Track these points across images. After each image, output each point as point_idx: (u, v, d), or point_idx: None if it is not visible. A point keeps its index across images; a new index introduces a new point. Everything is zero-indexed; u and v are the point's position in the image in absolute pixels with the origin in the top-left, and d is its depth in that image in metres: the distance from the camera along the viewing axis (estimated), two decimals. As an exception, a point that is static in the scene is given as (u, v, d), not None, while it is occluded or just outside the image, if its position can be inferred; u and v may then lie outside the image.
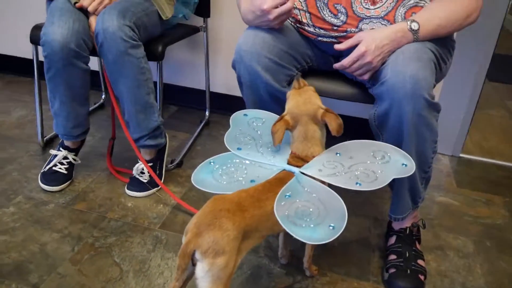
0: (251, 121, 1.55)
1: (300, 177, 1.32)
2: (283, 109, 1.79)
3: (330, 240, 1.11)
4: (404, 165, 1.32)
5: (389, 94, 1.50)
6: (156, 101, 2.01)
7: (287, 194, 1.24)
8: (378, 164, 1.33)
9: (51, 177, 2.03)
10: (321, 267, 1.75)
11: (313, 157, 1.37)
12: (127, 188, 2.05)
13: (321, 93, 1.83)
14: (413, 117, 1.47)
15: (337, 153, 1.39)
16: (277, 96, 1.72)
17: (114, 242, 1.78)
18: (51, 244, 1.75)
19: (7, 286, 1.55)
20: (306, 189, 1.27)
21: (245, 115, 1.60)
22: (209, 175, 1.38)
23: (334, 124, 1.33)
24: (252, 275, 1.69)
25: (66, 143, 2.08)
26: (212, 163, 1.42)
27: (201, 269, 1.15)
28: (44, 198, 2.00)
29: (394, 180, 1.33)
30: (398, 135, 1.55)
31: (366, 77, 1.58)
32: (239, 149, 1.46)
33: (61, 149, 2.08)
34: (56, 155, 2.06)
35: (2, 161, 2.25)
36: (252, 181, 1.34)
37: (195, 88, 2.93)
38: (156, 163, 2.08)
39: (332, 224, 1.15)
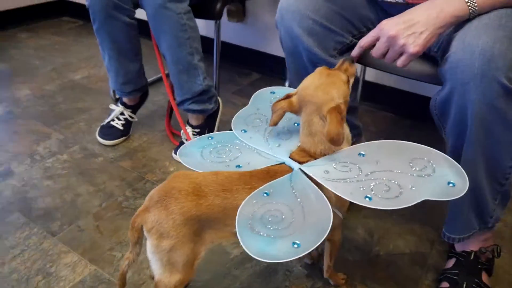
0: (274, 100, 1.31)
1: (296, 175, 1.05)
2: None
3: (284, 260, 0.85)
4: (451, 184, 0.95)
5: (451, 75, 1.13)
6: (214, 64, 1.87)
7: (266, 192, 1.00)
8: (413, 177, 0.97)
9: (107, 131, 2.05)
10: (353, 276, 1.46)
11: (324, 155, 1.09)
12: (174, 152, 1.98)
13: (380, 67, 1.51)
14: (482, 108, 1.09)
15: (360, 153, 1.07)
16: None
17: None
18: (83, 196, 1.76)
19: (31, 229, 1.59)
20: (294, 191, 1.01)
21: (272, 92, 1.37)
22: (198, 150, 1.18)
23: (330, 128, 1.00)
24: (267, 269, 1.48)
25: (124, 99, 2.07)
26: (210, 138, 1.23)
27: (149, 248, 1.02)
28: (96, 151, 2.03)
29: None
30: (460, 132, 1.17)
31: (400, 62, 1.21)
32: (244, 131, 1.23)
33: (119, 104, 2.08)
34: (113, 110, 2.07)
35: (76, 111, 2.35)
36: (238, 166, 1.12)
37: (279, 56, 2.72)
38: (203, 129, 1.96)
39: (298, 242, 0.87)
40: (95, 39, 1.92)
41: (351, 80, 1.18)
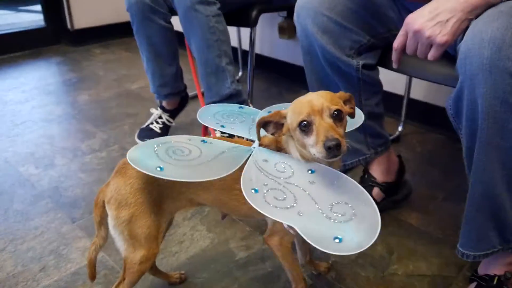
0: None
1: (256, 152, 1.02)
2: (347, 85, 1.46)
3: None
4: (337, 240, 0.81)
5: (461, 67, 1.03)
6: (248, 70, 1.88)
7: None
8: (322, 216, 0.86)
9: (145, 133, 2.13)
10: (361, 292, 1.35)
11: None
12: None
13: (403, 71, 1.41)
14: (492, 103, 0.98)
15: (311, 170, 0.97)
16: (338, 66, 1.39)
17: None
18: (110, 189, 1.83)
19: (55, 214, 1.68)
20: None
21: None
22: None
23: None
24: (270, 274, 1.42)
25: (163, 103, 2.15)
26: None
27: (109, 224, 1.02)
28: (132, 150, 2.11)
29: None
30: (473, 132, 1.06)
31: (430, 55, 1.12)
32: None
33: (158, 108, 2.16)
34: (153, 113, 2.15)
35: (124, 115, 2.48)
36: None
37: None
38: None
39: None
40: None
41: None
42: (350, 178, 0.95)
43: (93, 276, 1.20)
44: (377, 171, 1.62)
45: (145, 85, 2.92)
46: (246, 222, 1.64)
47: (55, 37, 3.67)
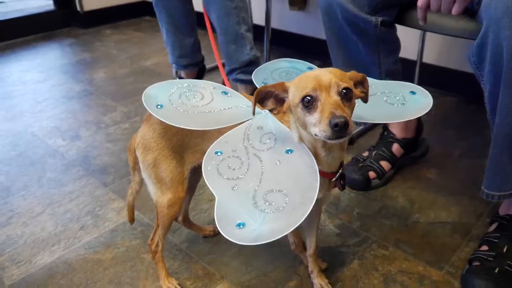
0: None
1: (260, 117, 0.99)
2: (366, 43, 1.51)
3: None
4: (241, 225, 0.82)
5: (485, 13, 1.08)
6: (264, 44, 1.93)
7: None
8: (252, 205, 0.85)
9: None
10: (386, 239, 1.42)
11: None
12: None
13: (427, 28, 1.45)
14: None
15: (288, 150, 0.93)
16: (357, 24, 1.44)
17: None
18: (137, 156, 1.90)
19: (87, 180, 1.75)
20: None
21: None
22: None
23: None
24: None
25: (181, 74, 2.20)
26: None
27: (141, 169, 1.11)
28: (154, 121, 2.18)
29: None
30: (497, 75, 1.11)
31: (454, 10, 1.17)
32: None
33: (177, 79, 2.22)
34: (172, 85, 2.21)
35: (142, 89, 2.50)
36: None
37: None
38: (252, 101, 2.02)
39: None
40: None
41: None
42: (317, 173, 0.88)
43: (131, 219, 1.30)
44: (396, 128, 1.67)
45: (159, 61, 2.97)
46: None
47: (65, 20, 3.71)
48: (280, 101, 0.91)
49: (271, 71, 1.25)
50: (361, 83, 0.94)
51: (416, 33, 2.20)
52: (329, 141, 0.85)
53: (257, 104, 0.90)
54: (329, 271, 1.31)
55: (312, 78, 0.86)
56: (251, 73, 1.93)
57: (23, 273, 1.34)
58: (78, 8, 3.65)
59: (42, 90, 2.59)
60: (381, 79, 1.57)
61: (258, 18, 2.64)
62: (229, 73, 1.97)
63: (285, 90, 0.90)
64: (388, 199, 1.61)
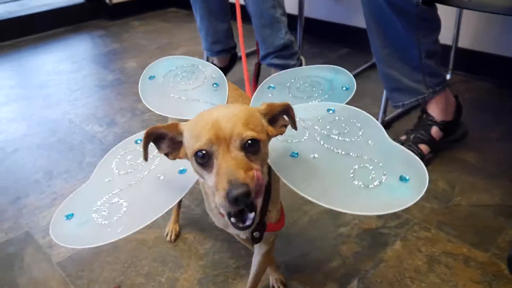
0: None
1: None
2: (405, 23, 1.49)
3: None
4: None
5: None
6: (297, 31, 1.92)
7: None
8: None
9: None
10: (429, 222, 1.41)
11: None
12: (258, 110, 2.06)
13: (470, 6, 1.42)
14: None
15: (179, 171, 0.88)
16: (396, 3, 1.42)
17: (223, 151, 1.84)
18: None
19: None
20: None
21: None
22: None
23: None
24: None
25: (214, 60, 2.21)
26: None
27: None
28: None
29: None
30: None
31: None
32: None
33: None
34: (205, 72, 2.22)
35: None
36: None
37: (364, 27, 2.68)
38: (286, 87, 2.02)
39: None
40: (195, 24, 2.08)
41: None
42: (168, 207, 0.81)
43: None
44: (435, 111, 1.65)
45: (187, 50, 2.99)
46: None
47: (94, 12, 3.76)
48: (177, 144, 0.77)
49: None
50: (284, 113, 0.78)
51: (451, 17, 2.16)
52: (230, 221, 0.69)
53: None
54: (372, 251, 1.31)
55: (210, 126, 0.69)
56: (285, 58, 1.95)
57: (69, 252, 1.38)
58: (107, 1, 3.70)
59: (75, 79, 2.64)
60: (420, 60, 1.57)
61: (288, 7, 2.63)
62: (263, 58, 1.97)
63: (180, 133, 0.76)
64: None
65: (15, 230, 1.49)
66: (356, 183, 0.76)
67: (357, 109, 0.90)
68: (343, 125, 0.86)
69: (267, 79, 1.05)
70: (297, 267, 1.28)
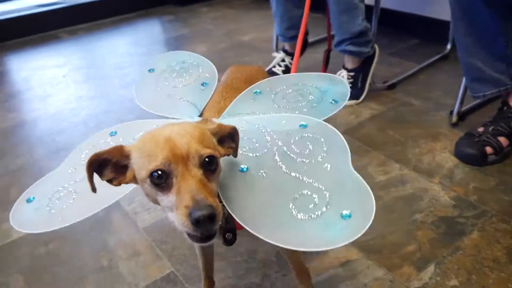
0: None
1: None
2: (496, 14, 1.46)
3: None
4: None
5: None
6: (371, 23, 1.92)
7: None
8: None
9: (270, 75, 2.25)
10: (507, 213, 1.38)
11: None
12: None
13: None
14: None
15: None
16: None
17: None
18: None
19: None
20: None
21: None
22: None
23: None
24: (412, 194, 1.49)
25: (286, 46, 2.25)
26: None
27: None
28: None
29: None
30: None
31: None
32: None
33: (280, 51, 2.27)
34: (275, 57, 2.26)
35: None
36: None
37: (441, 19, 2.62)
38: (358, 73, 2.02)
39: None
40: (262, 12, 2.12)
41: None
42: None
43: None
44: (517, 103, 1.61)
45: (255, 37, 3.05)
46: (380, 151, 1.72)
47: (163, -2, 3.90)
48: (121, 168, 0.72)
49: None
50: (230, 137, 0.77)
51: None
52: (192, 241, 0.68)
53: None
54: (448, 239, 1.31)
55: (163, 144, 0.66)
56: (360, 45, 1.96)
57: (153, 218, 1.47)
58: (176, -13, 3.82)
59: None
60: (506, 50, 1.53)
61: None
62: (337, 44, 1.98)
63: (126, 156, 0.71)
64: (506, 175, 1.55)
65: (103, 196, 1.60)
66: (293, 211, 0.71)
67: (332, 128, 0.84)
68: (308, 143, 0.81)
69: (257, 83, 1.01)
70: (374, 248, 1.30)
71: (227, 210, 0.73)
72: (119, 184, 0.72)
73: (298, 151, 0.80)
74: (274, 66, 2.26)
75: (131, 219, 1.48)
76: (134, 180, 0.71)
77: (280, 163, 0.78)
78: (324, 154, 0.78)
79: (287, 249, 0.92)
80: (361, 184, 0.74)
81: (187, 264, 1.29)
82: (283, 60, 2.25)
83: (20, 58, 3.03)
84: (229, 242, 0.82)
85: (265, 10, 3.56)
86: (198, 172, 0.66)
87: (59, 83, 2.58)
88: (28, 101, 2.40)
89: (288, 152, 0.80)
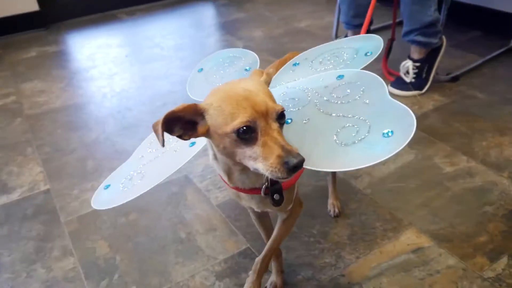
0: None
1: None
2: None
3: None
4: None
5: None
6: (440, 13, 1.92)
7: None
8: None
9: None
10: None
11: None
12: (390, 85, 2.09)
13: None
14: None
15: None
16: None
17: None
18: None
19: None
20: None
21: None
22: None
23: None
24: (481, 187, 1.50)
25: (349, 34, 2.25)
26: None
27: None
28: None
29: None
30: None
31: None
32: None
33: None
34: (338, 45, 2.28)
35: (299, 49, 2.63)
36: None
37: (505, 11, 2.55)
38: (424, 64, 2.02)
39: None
40: None
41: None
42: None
43: None
44: None
45: (311, 23, 3.06)
46: (446, 142, 1.72)
47: (217, -18, 3.94)
48: (189, 124, 0.78)
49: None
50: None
51: None
52: (277, 179, 0.75)
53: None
54: (520, 233, 1.32)
55: (244, 102, 0.73)
56: (429, 36, 1.95)
57: (225, 196, 1.53)
58: (230, -29, 3.85)
59: (208, 43, 2.83)
60: None
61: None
62: (406, 33, 1.97)
63: (199, 113, 0.77)
64: None
65: (176, 173, 1.66)
66: (337, 141, 0.78)
67: (366, 71, 0.89)
68: (346, 88, 0.87)
69: (295, 56, 1.07)
70: (445, 237, 1.32)
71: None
72: (189, 138, 0.80)
73: (337, 96, 0.86)
74: (336, 53, 2.27)
75: (205, 196, 1.55)
76: (206, 134, 0.78)
77: (321, 109, 0.85)
78: (362, 93, 0.84)
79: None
80: (400, 107, 0.78)
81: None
82: (345, 48, 2.26)
83: (82, 37, 3.15)
84: (277, 202, 0.90)
85: (318, -2, 3.57)
86: (276, 126, 0.74)
87: (123, 62, 2.67)
88: (94, 78, 2.50)
89: (327, 99, 0.86)
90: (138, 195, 0.88)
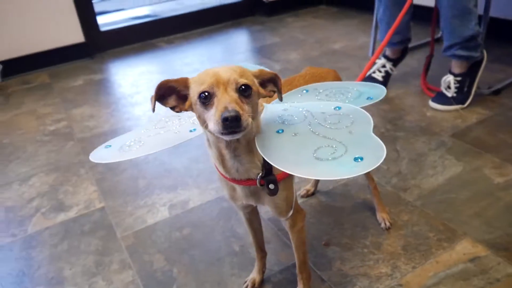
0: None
1: None
2: None
3: None
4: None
5: None
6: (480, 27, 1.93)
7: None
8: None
9: (367, 80, 2.30)
10: None
11: None
12: (431, 100, 2.10)
13: None
14: None
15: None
16: None
17: (401, 136, 1.91)
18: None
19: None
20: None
21: None
22: None
23: None
24: None
25: (387, 52, 2.29)
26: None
27: None
28: (358, 96, 2.30)
29: None
30: None
31: None
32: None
33: (381, 57, 2.31)
34: (376, 63, 2.31)
35: (338, 69, 2.68)
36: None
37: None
38: (465, 78, 2.02)
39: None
40: (348, 21, 2.17)
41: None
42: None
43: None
44: None
45: (346, 44, 3.11)
46: (494, 154, 1.72)
47: (251, 9, 4.06)
48: (182, 98, 0.90)
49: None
50: (271, 81, 0.92)
51: None
52: (221, 137, 0.84)
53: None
54: None
55: (212, 74, 0.85)
56: (470, 49, 1.97)
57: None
58: (264, -1, 3.98)
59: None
60: None
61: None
62: (447, 48, 1.99)
63: (187, 87, 0.89)
64: None
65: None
66: (314, 155, 0.86)
67: (361, 109, 0.96)
68: (339, 118, 0.95)
69: (307, 85, 1.16)
70: (502, 246, 1.31)
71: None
72: (180, 111, 0.91)
73: (329, 122, 0.94)
74: (374, 72, 2.31)
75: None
76: (191, 108, 0.89)
77: (311, 128, 0.93)
78: (350, 124, 0.92)
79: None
80: (377, 142, 0.86)
81: (315, 252, 1.37)
82: (383, 66, 2.30)
83: (125, 65, 3.29)
84: (272, 192, 0.97)
85: (350, 19, 3.63)
86: (234, 94, 0.83)
87: (165, 87, 2.78)
88: (139, 103, 2.61)
89: (319, 122, 0.94)
90: (134, 157, 1.03)
